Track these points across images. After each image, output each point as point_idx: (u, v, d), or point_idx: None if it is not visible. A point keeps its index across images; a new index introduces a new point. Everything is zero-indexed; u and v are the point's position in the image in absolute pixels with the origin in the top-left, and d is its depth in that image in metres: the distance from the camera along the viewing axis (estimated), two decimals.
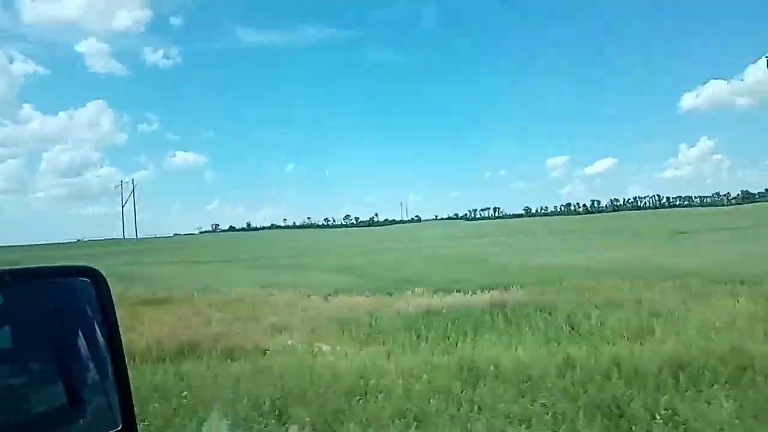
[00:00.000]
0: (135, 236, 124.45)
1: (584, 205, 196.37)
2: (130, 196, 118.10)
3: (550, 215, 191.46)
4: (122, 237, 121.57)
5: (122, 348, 0.88)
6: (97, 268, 0.92)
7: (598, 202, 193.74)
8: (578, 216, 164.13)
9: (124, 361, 0.88)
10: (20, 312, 0.89)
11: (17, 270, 0.92)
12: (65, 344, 0.89)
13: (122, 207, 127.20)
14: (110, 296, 0.89)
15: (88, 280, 0.89)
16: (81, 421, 0.86)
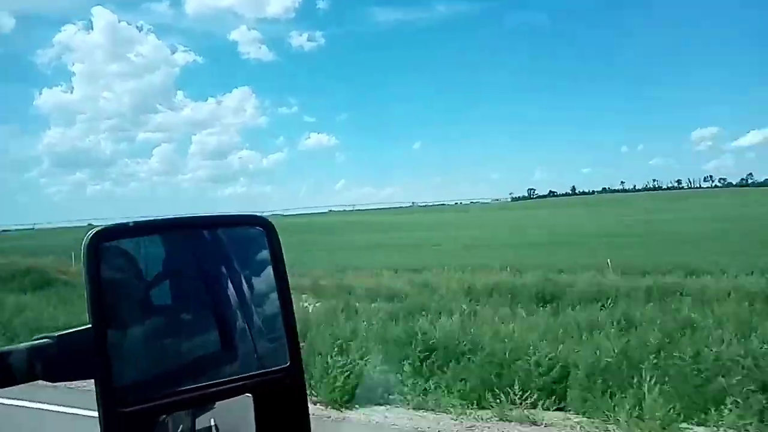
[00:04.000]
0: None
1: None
2: None
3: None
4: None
5: (290, 293, 0.94)
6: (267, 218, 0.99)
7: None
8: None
9: (292, 305, 0.94)
10: (193, 255, 0.97)
11: (194, 219, 1.00)
12: (234, 288, 0.96)
13: None
14: (280, 245, 0.96)
15: (262, 230, 0.96)
16: (247, 360, 0.93)
